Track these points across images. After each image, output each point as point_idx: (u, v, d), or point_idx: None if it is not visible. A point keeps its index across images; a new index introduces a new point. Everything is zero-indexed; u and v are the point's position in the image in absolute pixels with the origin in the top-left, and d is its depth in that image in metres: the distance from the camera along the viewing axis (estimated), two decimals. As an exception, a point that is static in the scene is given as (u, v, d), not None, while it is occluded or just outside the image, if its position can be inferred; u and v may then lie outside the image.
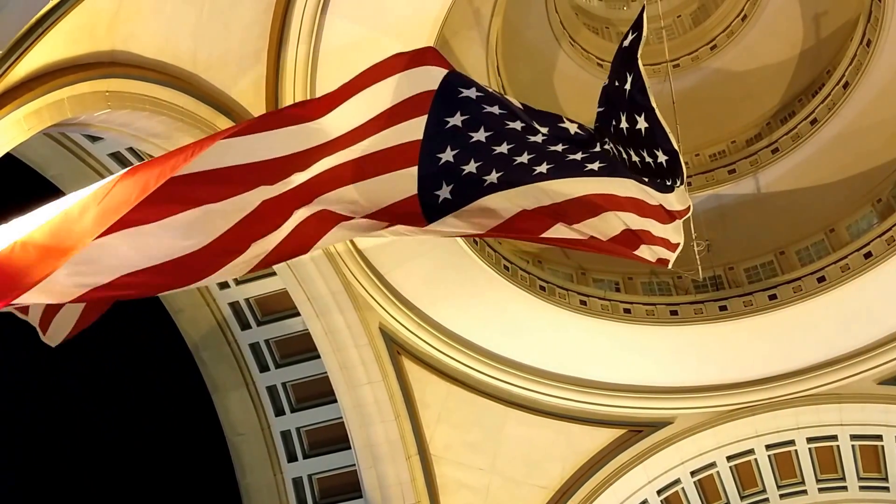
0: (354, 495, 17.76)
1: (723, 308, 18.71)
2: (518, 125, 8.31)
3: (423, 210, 7.98)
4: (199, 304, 16.95)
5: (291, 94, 14.95)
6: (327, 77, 15.11)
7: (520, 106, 8.61)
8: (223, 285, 16.66)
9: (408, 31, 15.41)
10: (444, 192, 7.99)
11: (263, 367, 17.71)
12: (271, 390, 17.69)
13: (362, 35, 14.92)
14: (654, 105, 9.05)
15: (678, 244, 9.57)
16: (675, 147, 9.17)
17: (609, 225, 8.73)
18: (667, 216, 9.31)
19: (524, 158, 8.25)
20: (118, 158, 15.11)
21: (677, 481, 18.70)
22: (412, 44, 15.48)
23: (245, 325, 17.26)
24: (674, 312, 18.87)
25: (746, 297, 18.76)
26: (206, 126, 13.82)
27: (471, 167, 8.06)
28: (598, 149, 8.74)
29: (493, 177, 8.08)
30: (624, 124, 8.96)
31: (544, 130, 8.44)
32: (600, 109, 9.25)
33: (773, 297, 18.51)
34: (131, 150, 14.79)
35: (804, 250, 21.00)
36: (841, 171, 21.02)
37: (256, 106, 14.96)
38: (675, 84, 23.48)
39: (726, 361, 18.37)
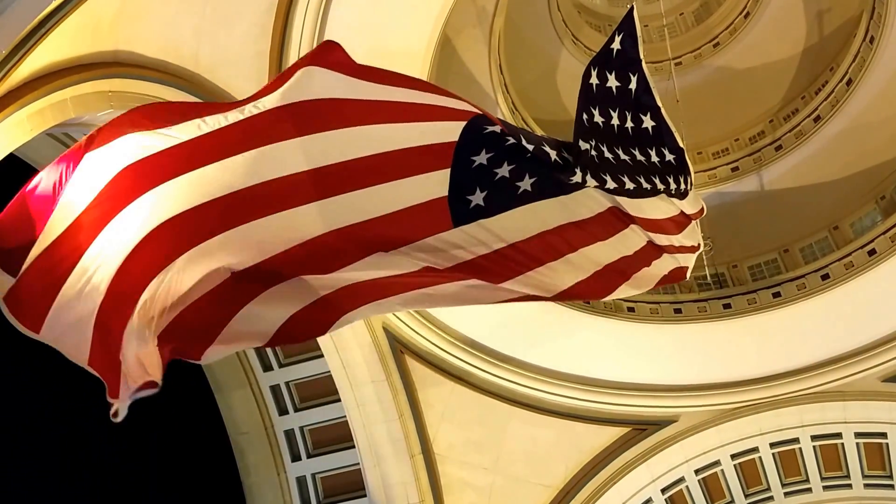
0: (358, 494, 17.77)
1: (727, 306, 18.68)
2: (532, 149, 7.87)
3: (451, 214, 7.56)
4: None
5: (294, 93, 14.94)
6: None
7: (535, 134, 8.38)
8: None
9: (410, 30, 15.41)
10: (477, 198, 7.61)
11: (267, 367, 17.71)
12: (274, 389, 17.70)
13: (365, 34, 14.92)
14: (660, 104, 8.99)
15: (695, 247, 9.55)
16: (681, 146, 9.11)
17: (630, 242, 8.75)
18: (685, 221, 9.30)
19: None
20: (121, 158, 15.12)
21: (681, 480, 18.68)
22: (414, 44, 15.52)
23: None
24: (677, 311, 18.85)
25: (750, 295, 18.74)
26: (208, 126, 13.82)
27: (503, 170, 7.72)
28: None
29: (527, 183, 7.75)
30: (629, 124, 8.86)
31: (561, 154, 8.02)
32: (585, 116, 8.64)
33: (776, 294, 18.48)
34: (134, 149, 14.80)
35: (808, 248, 20.98)
36: (844, 169, 21.00)
37: (259, 105, 14.96)
38: (677, 82, 23.49)
39: (730, 359, 18.34)
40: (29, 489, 18.31)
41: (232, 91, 14.37)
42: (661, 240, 9.05)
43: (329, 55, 7.59)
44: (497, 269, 7.95)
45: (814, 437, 18.34)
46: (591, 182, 7.92)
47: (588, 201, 8.31)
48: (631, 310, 18.62)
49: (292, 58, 14.65)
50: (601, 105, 8.73)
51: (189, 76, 13.45)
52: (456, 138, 7.55)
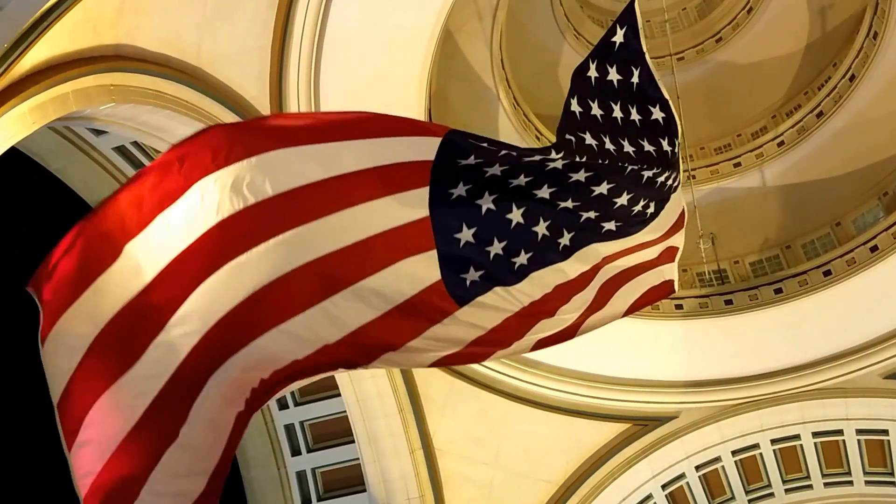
0: (358, 489, 17.77)
1: (728, 302, 18.66)
2: (522, 181, 7.68)
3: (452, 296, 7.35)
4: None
5: (295, 88, 14.91)
6: (331, 71, 15.07)
7: (515, 154, 7.85)
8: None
9: (411, 24, 15.37)
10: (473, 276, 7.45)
11: (268, 361, 17.68)
12: (276, 384, 17.68)
13: (366, 29, 14.89)
14: (667, 96, 8.91)
15: (676, 249, 9.43)
16: (678, 141, 9.05)
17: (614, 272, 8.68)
18: (676, 228, 9.23)
19: (543, 229, 7.77)
20: (123, 153, 15.11)
21: (682, 476, 18.68)
22: (416, 38, 15.49)
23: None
24: (679, 307, 18.83)
25: (752, 292, 18.71)
26: (210, 120, 13.80)
27: (496, 248, 7.54)
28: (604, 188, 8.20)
29: (523, 258, 7.67)
30: (636, 116, 8.75)
31: (546, 185, 7.86)
32: (580, 109, 8.62)
33: (778, 290, 18.46)
34: (136, 144, 14.79)
35: (810, 244, 20.95)
36: (847, 165, 20.95)
37: (261, 100, 14.93)
38: (680, 77, 23.42)
39: (731, 356, 18.32)
40: (34, 484, 18.35)
41: (233, 86, 14.36)
42: (640, 257, 8.92)
43: (271, 132, 6.94)
44: (498, 337, 7.93)
45: (815, 434, 18.33)
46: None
47: (580, 264, 8.26)
48: (632, 306, 18.60)
49: (293, 52, 14.63)
50: (601, 98, 8.68)
51: (191, 70, 13.43)
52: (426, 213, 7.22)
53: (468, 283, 7.47)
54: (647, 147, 8.65)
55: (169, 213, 6.40)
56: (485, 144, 7.48)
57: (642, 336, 18.39)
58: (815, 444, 18.39)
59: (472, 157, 7.26)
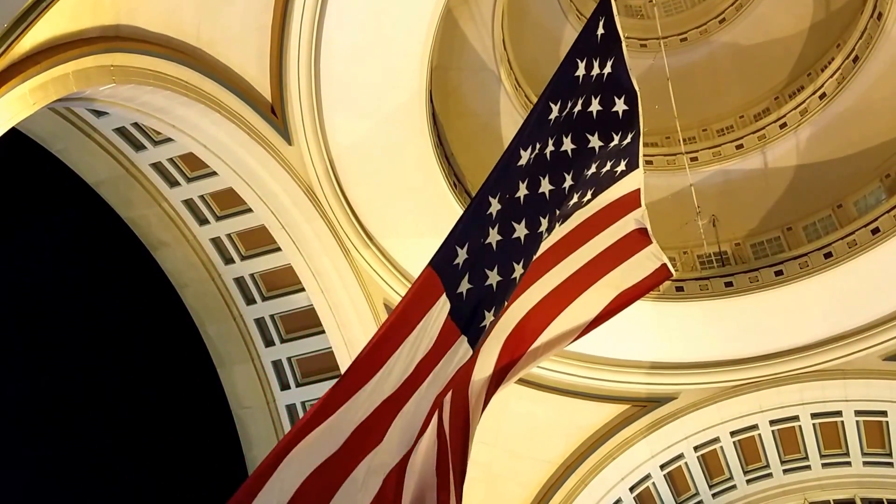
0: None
1: (728, 284, 18.68)
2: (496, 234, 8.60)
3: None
4: (205, 279, 16.99)
5: (296, 68, 14.88)
6: (332, 51, 15.02)
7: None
8: (228, 260, 16.71)
9: (413, 4, 15.30)
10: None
11: (269, 342, 17.77)
12: (276, 365, 17.76)
13: (367, 9, 14.82)
14: (636, 88, 9.08)
15: (646, 227, 9.72)
16: (641, 130, 9.22)
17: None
18: (626, 205, 9.47)
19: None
20: (123, 134, 15.11)
21: (680, 456, 18.79)
22: (417, 18, 15.41)
23: (250, 301, 17.31)
24: (679, 289, 18.85)
25: (752, 274, 18.72)
26: (210, 101, 13.78)
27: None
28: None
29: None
30: (595, 107, 8.94)
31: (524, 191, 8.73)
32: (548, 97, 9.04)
33: (779, 273, 18.46)
34: (136, 125, 14.79)
35: (811, 226, 20.92)
36: (849, 147, 20.88)
37: (260, 80, 14.91)
38: (682, 58, 23.34)
39: (731, 337, 18.37)
40: (35, 461, 18.49)
41: (233, 66, 14.33)
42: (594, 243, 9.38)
43: None
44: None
45: (814, 415, 18.41)
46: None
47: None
48: (633, 287, 18.62)
49: (293, 33, 14.58)
50: (565, 95, 8.92)
51: (191, 51, 13.40)
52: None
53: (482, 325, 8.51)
54: (593, 143, 8.91)
55: None
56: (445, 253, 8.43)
57: (642, 318, 18.40)
58: (814, 425, 18.47)
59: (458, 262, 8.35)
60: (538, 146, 8.69)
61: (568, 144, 8.91)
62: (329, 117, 15.60)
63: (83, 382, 18.89)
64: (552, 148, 8.85)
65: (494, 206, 8.48)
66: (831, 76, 21.49)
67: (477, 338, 8.46)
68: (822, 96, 21.54)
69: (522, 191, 8.62)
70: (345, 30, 14.78)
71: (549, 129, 8.83)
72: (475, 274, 8.33)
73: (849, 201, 20.73)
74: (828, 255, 18.17)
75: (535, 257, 8.96)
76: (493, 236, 8.44)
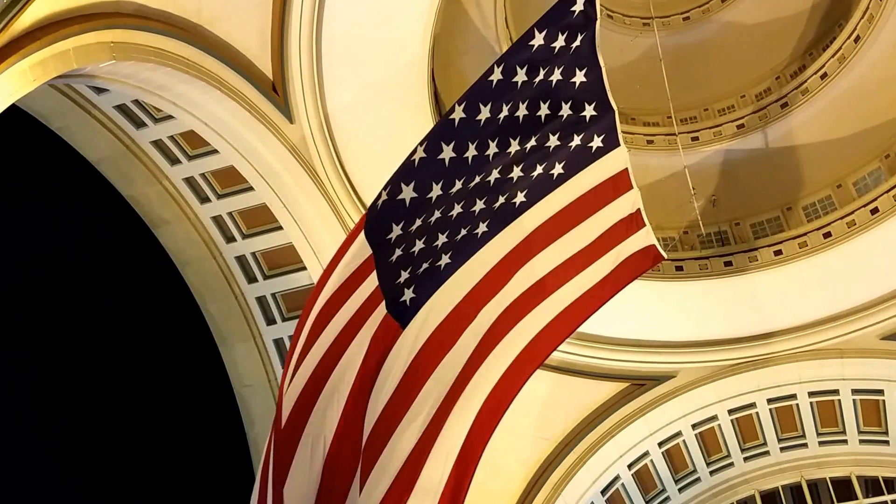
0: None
1: (728, 264, 18.73)
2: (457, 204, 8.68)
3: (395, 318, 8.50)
4: (206, 257, 17.02)
5: (297, 45, 14.83)
6: (333, 29, 14.96)
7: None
8: (230, 239, 16.73)
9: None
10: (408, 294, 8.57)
11: (270, 321, 17.82)
12: (278, 343, 17.84)
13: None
14: (602, 64, 8.97)
15: (640, 210, 9.49)
16: (612, 105, 9.08)
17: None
18: (618, 186, 9.33)
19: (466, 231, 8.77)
20: (124, 111, 15.08)
21: (678, 434, 18.94)
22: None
23: (252, 279, 17.36)
24: (679, 268, 18.91)
25: (752, 253, 18.78)
26: (211, 78, 13.74)
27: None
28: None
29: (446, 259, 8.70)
30: (556, 77, 8.86)
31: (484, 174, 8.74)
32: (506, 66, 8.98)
33: (778, 252, 18.52)
34: (137, 102, 14.75)
35: (811, 206, 20.93)
36: (850, 127, 20.83)
37: (262, 58, 14.86)
38: (684, 37, 23.23)
39: (730, 316, 18.45)
40: (39, 437, 18.61)
41: (234, 43, 14.27)
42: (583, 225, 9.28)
43: None
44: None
45: (811, 394, 18.55)
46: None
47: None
48: (632, 267, 18.66)
49: (295, 10, 14.50)
50: (531, 65, 8.85)
51: (191, 28, 13.35)
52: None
53: (408, 302, 8.53)
54: (544, 111, 8.83)
55: None
56: (389, 192, 8.58)
57: (642, 297, 18.47)
58: (811, 403, 18.61)
59: (392, 223, 8.45)
60: (489, 110, 8.65)
61: (522, 111, 8.84)
62: (330, 95, 15.57)
63: (82, 360, 18.96)
64: (506, 113, 8.80)
65: (447, 153, 8.54)
66: (833, 56, 21.39)
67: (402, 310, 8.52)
68: (824, 76, 21.46)
69: (471, 152, 8.62)
70: (346, 7, 14.70)
71: (501, 95, 8.76)
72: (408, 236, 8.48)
73: (848, 181, 20.73)
74: (827, 235, 18.22)
75: (511, 245, 8.95)
76: (436, 191, 8.57)
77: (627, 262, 9.37)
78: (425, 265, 8.66)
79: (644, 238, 9.35)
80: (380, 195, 8.57)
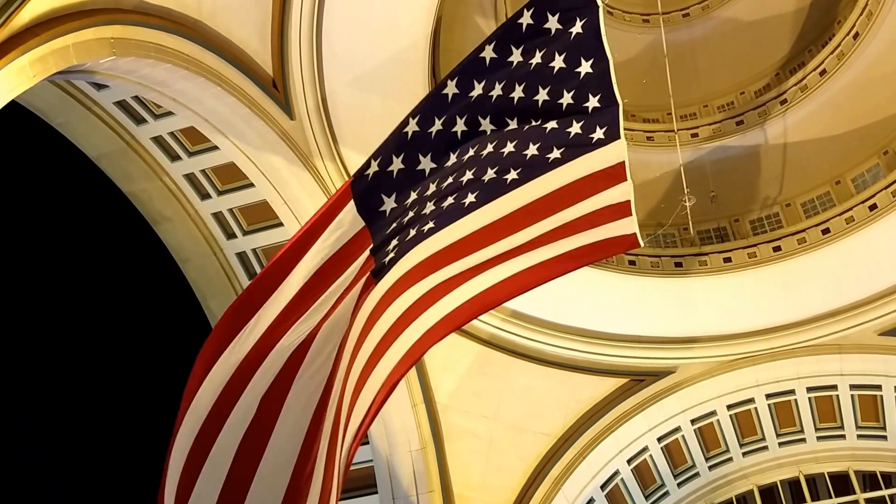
0: (361, 442, 18.02)
1: (727, 260, 18.77)
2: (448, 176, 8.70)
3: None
4: (206, 253, 17.05)
5: (297, 42, 14.84)
6: (333, 25, 14.97)
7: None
8: (230, 235, 16.76)
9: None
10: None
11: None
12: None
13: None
14: (609, 55, 8.87)
15: (624, 203, 9.41)
16: (618, 99, 9.01)
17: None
18: (612, 177, 9.28)
19: (452, 199, 8.82)
20: (124, 107, 15.10)
21: (678, 429, 18.99)
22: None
23: (252, 276, 17.38)
24: (678, 265, 18.94)
25: (750, 249, 18.80)
26: (211, 74, 13.76)
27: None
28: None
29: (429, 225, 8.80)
30: (559, 64, 8.77)
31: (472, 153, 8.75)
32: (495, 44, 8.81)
33: (777, 248, 18.55)
34: (137, 98, 14.77)
35: (810, 202, 20.98)
36: (849, 123, 20.88)
37: (262, 54, 14.87)
38: (685, 34, 23.26)
39: (728, 312, 18.49)
40: (38, 406, 18.63)
41: (235, 39, 14.29)
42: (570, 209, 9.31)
43: None
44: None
45: (809, 389, 18.60)
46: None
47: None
48: (632, 263, 18.74)
49: (294, 5, 14.52)
50: (527, 46, 8.73)
51: (192, 24, 13.36)
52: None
53: (386, 262, 8.67)
54: (565, 99, 8.77)
55: None
56: (379, 163, 8.47)
57: (640, 293, 18.55)
58: (810, 398, 18.67)
59: (383, 195, 8.42)
60: (482, 87, 8.60)
61: (518, 93, 8.74)
62: (331, 91, 15.59)
63: (82, 357, 19.00)
64: (500, 92, 8.72)
65: (437, 127, 8.51)
66: (832, 53, 21.43)
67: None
68: (823, 73, 21.49)
69: (460, 126, 8.58)
70: (346, 3, 14.72)
71: (494, 73, 8.68)
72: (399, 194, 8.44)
73: (847, 178, 20.79)
74: (825, 231, 18.25)
75: (496, 216, 9.03)
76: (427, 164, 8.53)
77: (602, 243, 9.40)
78: (412, 231, 8.76)
79: (627, 226, 9.34)
80: (368, 164, 8.45)
